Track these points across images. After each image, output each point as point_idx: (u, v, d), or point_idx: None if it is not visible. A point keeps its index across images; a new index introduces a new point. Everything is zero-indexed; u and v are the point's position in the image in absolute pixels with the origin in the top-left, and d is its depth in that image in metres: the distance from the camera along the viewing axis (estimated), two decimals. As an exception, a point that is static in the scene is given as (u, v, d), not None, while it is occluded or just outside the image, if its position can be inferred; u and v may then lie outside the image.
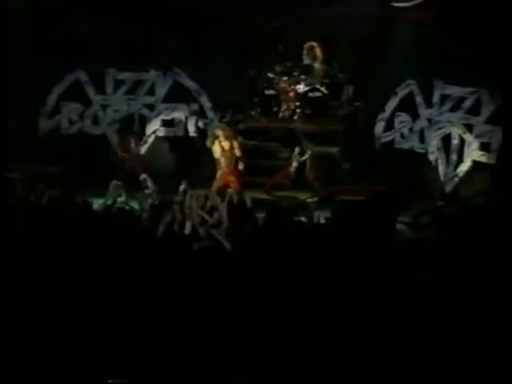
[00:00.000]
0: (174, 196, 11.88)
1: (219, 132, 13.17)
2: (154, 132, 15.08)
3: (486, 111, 13.40)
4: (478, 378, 7.02)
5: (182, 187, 12.15)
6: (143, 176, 13.44)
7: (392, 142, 14.71)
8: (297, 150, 13.56)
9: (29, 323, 7.50)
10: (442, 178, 13.91)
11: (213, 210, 10.55)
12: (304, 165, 13.68)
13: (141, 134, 14.67)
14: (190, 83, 15.28)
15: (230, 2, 14.65)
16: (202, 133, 14.99)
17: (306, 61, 14.92)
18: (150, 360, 7.34)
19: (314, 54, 14.85)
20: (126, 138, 14.14)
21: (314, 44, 14.82)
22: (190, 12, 14.79)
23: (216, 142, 13.12)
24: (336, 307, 7.49)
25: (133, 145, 14.00)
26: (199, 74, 15.22)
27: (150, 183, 13.35)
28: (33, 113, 15.09)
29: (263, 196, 13.05)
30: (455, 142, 13.80)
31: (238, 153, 13.07)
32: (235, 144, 13.23)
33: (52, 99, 15.26)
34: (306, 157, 13.51)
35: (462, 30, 13.37)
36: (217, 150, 13.12)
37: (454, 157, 13.79)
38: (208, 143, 13.30)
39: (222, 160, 13.11)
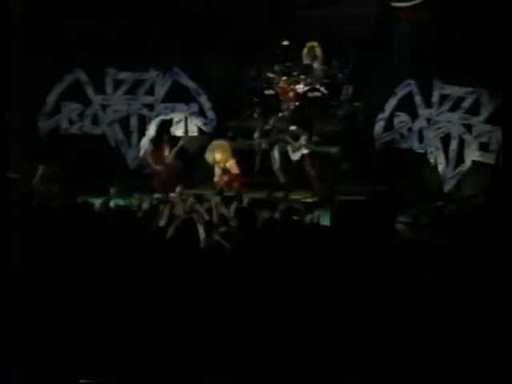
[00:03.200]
0: (173, 196, 11.89)
1: (219, 156, 13.40)
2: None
3: (486, 111, 13.40)
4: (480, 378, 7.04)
5: (178, 189, 12.13)
6: (179, 190, 12.33)
7: (391, 142, 14.72)
8: (300, 141, 13.60)
9: (28, 322, 7.51)
10: (441, 178, 13.92)
11: (211, 210, 10.55)
12: (304, 164, 13.70)
13: (173, 142, 14.28)
14: (189, 83, 15.28)
15: (229, 1, 14.65)
16: (202, 133, 15.01)
17: (306, 61, 14.93)
18: (147, 358, 7.36)
19: (313, 53, 14.86)
20: (159, 147, 14.02)
21: (314, 44, 14.83)
22: (189, 11, 14.78)
23: (215, 164, 13.39)
24: (336, 307, 7.50)
25: (167, 154, 13.89)
26: (199, 73, 15.22)
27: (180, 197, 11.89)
28: (33, 113, 15.08)
29: (263, 196, 13.06)
30: (454, 141, 13.82)
31: (235, 171, 13.33)
32: (233, 164, 13.45)
33: (52, 99, 15.25)
34: (307, 151, 13.58)
35: (461, 30, 13.38)
36: (215, 170, 13.39)
37: (453, 157, 13.80)
38: (206, 157, 13.54)
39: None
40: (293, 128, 13.91)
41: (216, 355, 7.30)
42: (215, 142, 14.04)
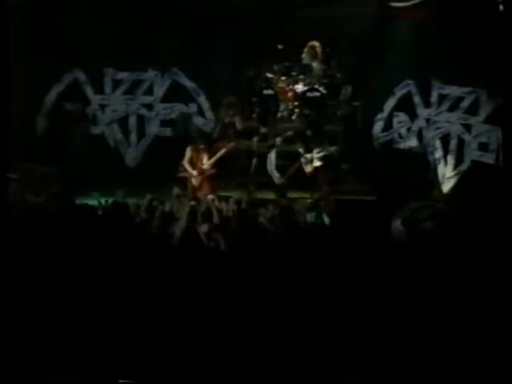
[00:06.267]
0: (169, 197, 11.90)
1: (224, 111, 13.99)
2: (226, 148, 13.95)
3: (485, 111, 13.42)
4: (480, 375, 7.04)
5: (175, 190, 12.13)
6: (211, 196, 12.22)
7: (390, 141, 14.73)
8: (313, 153, 13.56)
9: (28, 322, 7.50)
10: (440, 177, 13.93)
11: (209, 210, 10.56)
12: (316, 174, 13.62)
13: (211, 150, 13.83)
14: (188, 83, 15.28)
15: (229, 1, 14.65)
16: (201, 133, 15.00)
17: (306, 60, 14.91)
18: (155, 360, 7.35)
19: (313, 53, 14.84)
20: (196, 153, 13.65)
21: (315, 43, 14.81)
22: (188, 12, 14.78)
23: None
24: (335, 306, 7.50)
25: (204, 161, 13.56)
26: (198, 73, 15.22)
27: (216, 204, 11.46)
28: (32, 113, 15.07)
29: (262, 196, 13.06)
30: (454, 141, 13.83)
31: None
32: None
33: (51, 99, 15.24)
34: (320, 163, 13.55)
35: (460, 30, 13.38)
36: None
37: (452, 157, 13.81)
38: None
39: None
40: (304, 137, 13.91)
41: (242, 359, 7.29)
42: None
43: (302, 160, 13.59)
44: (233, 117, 14.31)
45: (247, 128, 14.61)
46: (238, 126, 14.23)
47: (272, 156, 13.80)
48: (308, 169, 13.56)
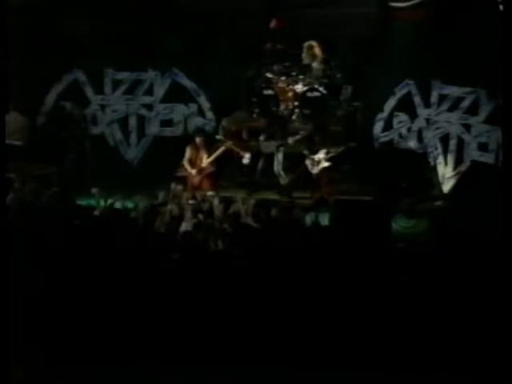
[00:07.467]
0: (170, 196, 11.90)
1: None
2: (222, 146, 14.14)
3: (485, 111, 13.41)
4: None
5: (175, 190, 12.14)
6: (210, 194, 12.35)
7: (390, 141, 14.73)
8: (319, 154, 13.55)
9: (28, 323, 7.52)
10: (440, 177, 13.93)
11: (210, 210, 10.57)
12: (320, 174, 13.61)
13: (211, 149, 14.04)
14: (188, 83, 15.29)
15: (229, 1, 14.65)
16: (200, 133, 14.99)
17: (305, 60, 14.90)
18: (155, 361, 7.37)
19: (313, 53, 14.82)
20: (196, 152, 13.83)
21: (314, 43, 14.81)
22: (188, 11, 14.79)
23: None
24: (335, 306, 7.51)
25: (204, 159, 13.71)
26: (198, 73, 15.22)
27: (216, 201, 11.43)
28: (31, 113, 15.06)
29: (264, 196, 13.08)
30: (453, 141, 13.83)
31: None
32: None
33: (50, 99, 15.24)
34: (327, 164, 13.53)
35: (460, 30, 13.39)
36: None
37: (452, 157, 13.81)
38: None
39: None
40: (307, 138, 13.91)
41: (208, 355, 7.31)
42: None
43: (308, 161, 13.60)
44: (240, 128, 14.27)
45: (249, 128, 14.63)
46: (244, 136, 14.21)
47: (279, 156, 13.81)
48: (315, 170, 13.57)
